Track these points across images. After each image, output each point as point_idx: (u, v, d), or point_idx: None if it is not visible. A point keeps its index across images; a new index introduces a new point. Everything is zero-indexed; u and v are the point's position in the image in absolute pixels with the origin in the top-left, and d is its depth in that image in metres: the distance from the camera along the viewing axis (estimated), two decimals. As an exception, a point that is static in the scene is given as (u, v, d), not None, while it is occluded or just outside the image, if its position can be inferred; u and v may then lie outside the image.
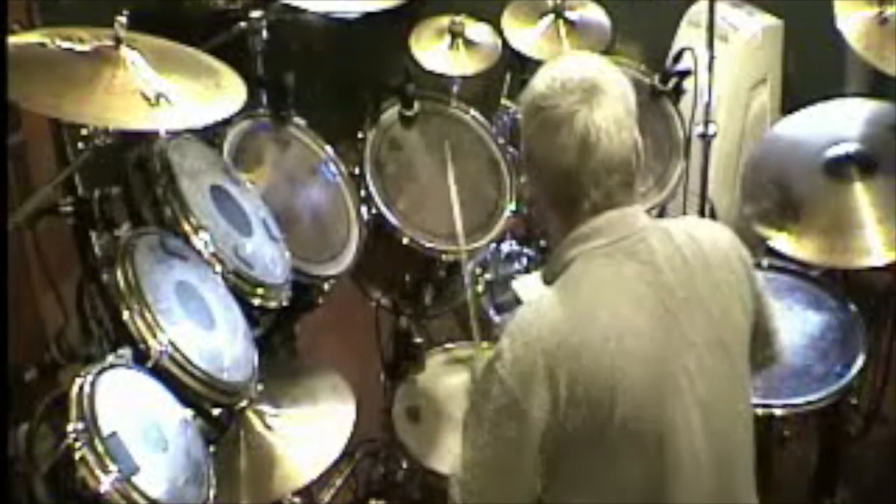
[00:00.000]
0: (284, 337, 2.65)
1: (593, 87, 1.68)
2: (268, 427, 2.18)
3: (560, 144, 1.67)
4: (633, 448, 1.68)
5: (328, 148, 2.70)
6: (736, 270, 1.79)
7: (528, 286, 2.69)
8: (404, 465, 2.44)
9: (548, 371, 1.64)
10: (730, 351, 1.76)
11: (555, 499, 1.74)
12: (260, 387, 2.12)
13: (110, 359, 1.81)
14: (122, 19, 1.96)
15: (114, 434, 1.68)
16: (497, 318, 2.87)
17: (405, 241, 2.65)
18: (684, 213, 3.04)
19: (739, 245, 1.83)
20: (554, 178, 1.71)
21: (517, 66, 3.23)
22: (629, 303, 1.69)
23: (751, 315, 1.81)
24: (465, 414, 1.78)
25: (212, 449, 1.96)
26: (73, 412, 1.67)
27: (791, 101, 3.43)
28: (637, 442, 1.67)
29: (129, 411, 1.76)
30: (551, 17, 3.13)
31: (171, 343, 1.89)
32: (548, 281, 1.77)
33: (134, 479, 1.66)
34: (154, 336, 1.88)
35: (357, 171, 2.70)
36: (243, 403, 2.07)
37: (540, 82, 1.72)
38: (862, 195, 2.60)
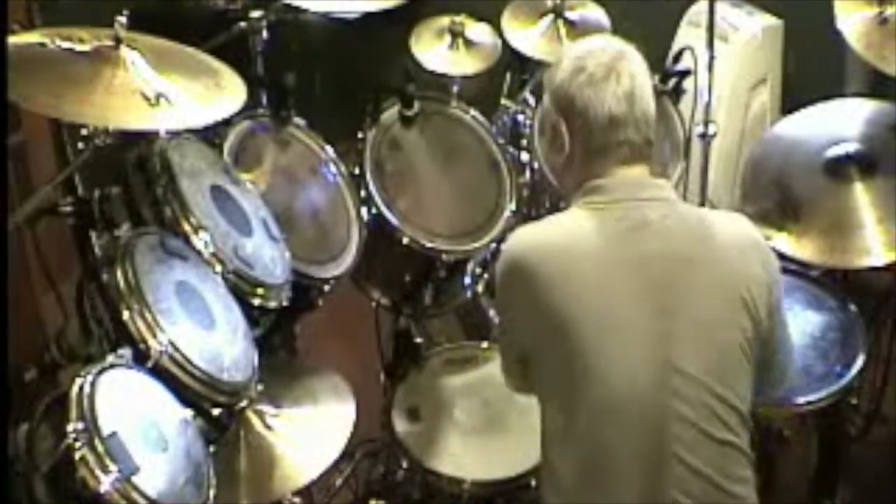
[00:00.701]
0: (284, 337, 2.65)
1: (621, 52, 1.92)
2: (268, 427, 2.19)
3: (611, 92, 1.87)
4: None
5: (328, 148, 2.70)
6: (747, 270, 1.87)
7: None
8: (404, 465, 2.44)
9: (517, 275, 1.88)
10: (704, 330, 1.83)
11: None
12: (260, 387, 2.12)
13: (110, 359, 1.81)
14: (122, 19, 1.96)
15: (114, 434, 1.67)
16: (497, 319, 2.87)
17: (405, 241, 2.65)
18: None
19: (763, 250, 1.92)
20: (599, 126, 1.88)
21: (517, 66, 3.24)
22: (590, 254, 1.83)
23: (757, 320, 1.85)
24: None
25: (212, 449, 1.95)
26: (73, 412, 1.66)
27: (791, 101, 3.43)
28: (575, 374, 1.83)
29: (129, 411, 1.76)
30: (551, 17, 3.13)
31: (171, 343, 1.89)
32: None
33: (134, 479, 1.66)
34: (154, 336, 1.88)
35: (357, 171, 2.70)
36: (243, 403, 2.06)
37: (575, 51, 1.94)
38: (862, 195, 2.59)
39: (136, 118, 1.89)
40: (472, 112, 2.93)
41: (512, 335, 2.01)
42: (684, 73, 2.93)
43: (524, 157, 3.04)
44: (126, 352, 1.85)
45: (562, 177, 2.03)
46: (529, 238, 1.93)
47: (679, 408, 1.78)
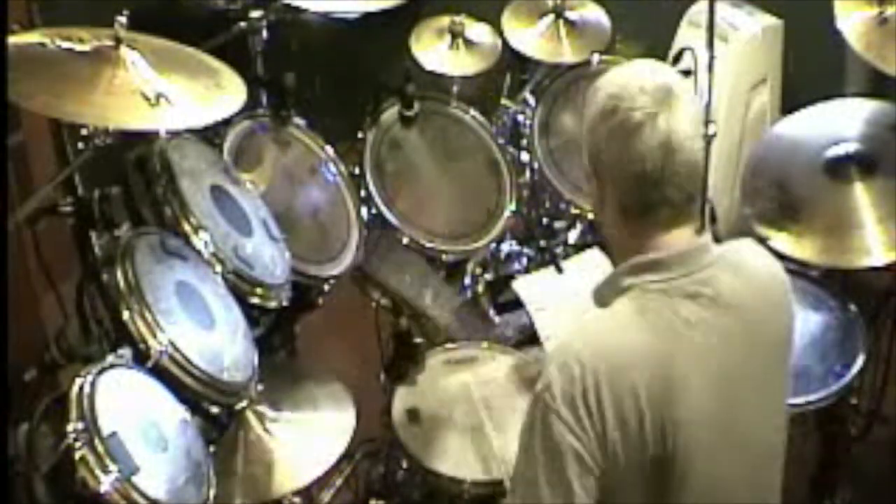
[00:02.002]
0: (284, 337, 2.65)
1: (669, 92, 1.62)
2: (267, 428, 2.19)
3: (640, 147, 1.59)
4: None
5: (328, 148, 2.70)
6: (785, 309, 1.76)
7: (529, 286, 2.70)
8: (404, 465, 2.43)
9: (596, 393, 1.56)
10: (773, 409, 1.72)
11: None
12: (260, 387, 2.12)
13: (110, 359, 1.81)
14: (122, 19, 1.97)
15: (114, 434, 1.68)
16: (497, 319, 2.87)
17: (405, 241, 2.65)
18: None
19: (789, 286, 1.78)
20: (630, 184, 1.62)
21: (517, 66, 3.23)
22: (685, 352, 1.60)
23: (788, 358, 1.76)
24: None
25: (212, 449, 1.95)
26: (73, 412, 1.67)
27: (791, 101, 3.42)
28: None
29: (129, 411, 1.76)
30: (551, 17, 3.13)
31: (171, 343, 1.89)
32: (598, 301, 1.69)
33: (134, 479, 1.66)
34: (154, 336, 1.88)
35: (357, 171, 2.70)
36: (243, 403, 2.07)
37: (611, 85, 1.64)
38: (862, 195, 2.59)
39: (136, 118, 1.89)
40: (472, 112, 2.93)
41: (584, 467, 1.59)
42: (684, 74, 2.92)
43: (524, 157, 3.04)
44: (126, 352, 1.85)
45: (602, 226, 1.77)
46: (606, 346, 1.61)
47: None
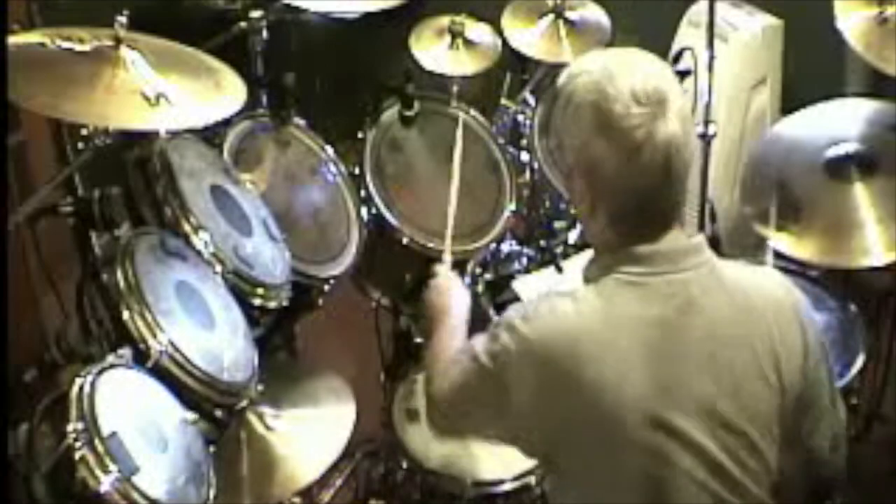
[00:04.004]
0: (284, 337, 2.65)
1: (663, 98, 1.57)
2: (268, 428, 2.19)
3: (640, 164, 1.56)
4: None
5: (328, 148, 2.70)
6: (783, 339, 1.68)
7: (529, 286, 2.70)
8: (404, 465, 2.44)
9: (538, 373, 1.62)
10: (733, 425, 1.64)
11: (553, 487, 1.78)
12: (260, 387, 2.12)
13: (110, 359, 1.81)
14: (122, 19, 1.96)
15: (114, 434, 1.68)
16: (497, 319, 2.87)
17: (405, 241, 2.65)
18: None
19: (798, 310, 1.73)
20: (628, 198, 1.61)
21: (517, 66, 3.23)
22: (638, 350, 1.60)
23: (792, 385, 1.69)
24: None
25: (212, 449, 1.95)
26: (73, 412, 1.66)
27: (791, 101, 3.43)
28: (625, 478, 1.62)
29: (129, 411, 1.76)
30: (551, 17, 3.13)
31: (171, 343, 1.89)
32: (586, 278, 1.72)
33: (134, 479, 1.66)
34: (154, 336, 1.88)
35: (357, 171, 2.70)
36: (243, 403, 2.07)
37: (598, 91, 1.57)
38: (862, 195, 2.59)
39: (136, 118, 1.89)
40: (472, 112, 2.93)
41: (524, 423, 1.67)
42: (684, 73, 2.92)
43: (524, 157, 3.04)
44: (126, 352, 1.85)
45: (584, 222, 1.76)
46: (561, 327, 1.63)
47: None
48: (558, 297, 1.68)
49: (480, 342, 1.74)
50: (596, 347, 1.60)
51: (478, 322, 2.93)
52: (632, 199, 1.61)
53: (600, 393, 1.59)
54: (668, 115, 1.57)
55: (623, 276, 1.64)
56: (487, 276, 2.91)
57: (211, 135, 2.39)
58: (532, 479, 2.36)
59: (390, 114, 2.76)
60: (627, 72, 1.59)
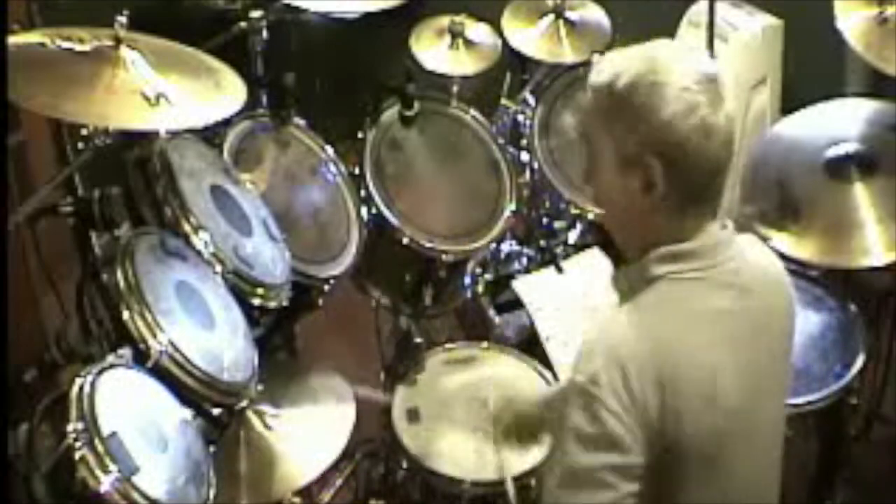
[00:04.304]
0: (284, 337, 2.65)
1: (718, 79, 1.62)
2: (268, 427, 2.19)
3: (721, 139, 1.61)
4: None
5: (328, 148, 2.70)
6: (789, 303, 1.79)
7: (529, 286, 2.70)
8: (404, 465, 2.43)
9: (639, 384, 1.58)
10: (781, 401, 1.79)
11: None
12: (260, 387, 2.12)
13: (110, 359, 1.81)
14: (122, 19, 1.97)
15: (114, 434, 1.68)
16: (497, 319, 2.87)
17: (405, 241, 2.65)
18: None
19: (786, 273, 1.82)
20: (704, 175, 1.62)
21: (517, 66, 3.23)
22: (721, 342, 1.63)
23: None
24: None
25: (212, 449, 1.95)
26: (73, 412, 1.66)
27: (791, 101, 3.42)
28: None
29: (129, 411, 1.76)
30: (551, 17, 3.14)
31: (171, 343, 1.89)
32: (623, 290, 1.69)
33: (134, 479, 1.66)
34: (154, 336, 1.88)
35: (357, 171, 2.70)
36: (243, 403, 2.07)
37: (678, 77, 1.59)
38: (862, 195, 2.59)
39: (136, 118, 1.89)
40: (472, 112, 2.93)
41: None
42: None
43: (524, 157, 3.04)
44: (126, 352, 1.85)
45: (630, 222, 1.70)
46: (646, 334, 1.61)
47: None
48: (610, 327, 1.65)
49: (581, 432, 1.59)
50: (684, 349, 1.61)
51: (478, 322, 2.95)
52: (707, 178, 1.63)
53: (702, 388, 1.60)
54: (726, 94, 1.62)
55: (677, 275, 1.65)
56: (487, 276, 2.91)
57: (211, 135, 2.39)
58: (532, 480, 2.36)
59: (390, 114, 2.76)
60: (676, 58, 1.63)
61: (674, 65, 1.61)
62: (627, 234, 1.72)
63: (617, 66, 1.63)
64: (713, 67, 1.64)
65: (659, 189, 1.62)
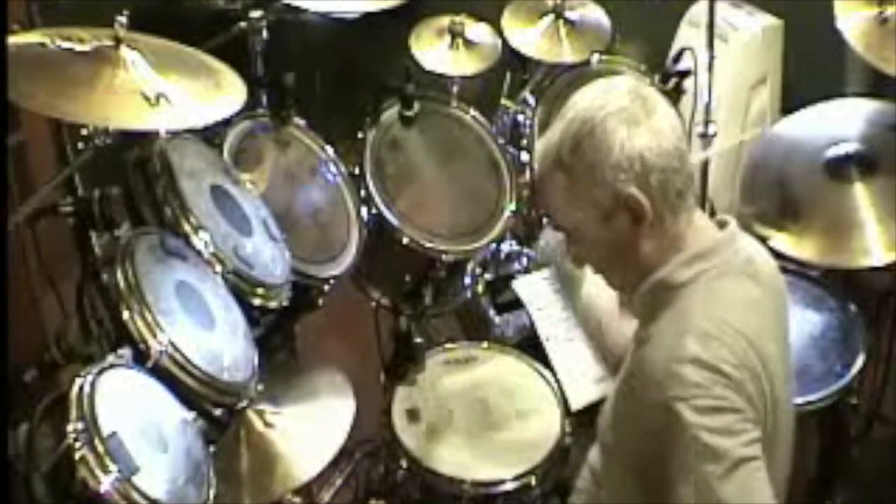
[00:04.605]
0: (284, 337, 2.65)
1: (640, 89, 1.70)
2: (268, 426, 2.19)
3: (672, 142, 1.65)
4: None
5: (328, 148, 2.70)
6: (784, 292, 1.84)
7: (529, 286, 2.70)
8: (404, 465, 2.43)
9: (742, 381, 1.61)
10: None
11: None
12: (260, 387, 2.12)
13: (110, 359, 1.81)
14: (122, 19, 1.97)
15: (114, 434, 1.68)
16: (497, 319, 2.87)
17: (405, 241, 2.65)
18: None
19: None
20: (671, 166, 1.65)
21: (517, 66, 3.23)
22: (766, 328, 1.68)
23: None
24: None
25: (212, 449, 1.95)
26: (73, 412, 1.66)
27: (791, 101, 3.43)
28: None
29: (129, 411, 1.76)
30: (551, 17, 3.13)
31: (171, 343, 1.89)
32: (642, 315, 1.72)
33: (134, 479, 1.66)
34: (154, 336, 1.88)
35: (357, 171, 2.70)
36: (243, 403, 2.07)
37: (608, 111, 1.65)
38: (862, 195, 2.59)
39: (136, 118, 1.89)
40: (472, 112, 2.93)
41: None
42: (684, 73, 2.92)
43: (524, 157, 3.04)
44: (126, 352, 1.85)
45: (626, 258, 1.71)
46: (720, 338, 1.62)
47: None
48: (683, 341, 1.62)
49: (713, 441, 1.57)
50: (751, 334, 1.63)
51: (478, 322, 2.95)
52: (673, 162, 1.66)
53: (771, 368, 1.65)
54: (654, 94, 1.70)
55: (706, 273, 1.67)
56: (487, 276, 2.91)
57: (211, 135, 2.39)
58: (532, 480, 2.36)
59: (390, 114, 2.76)
60: (592, 98, 1.69)
61: (594, 104, 1.66)
62: (625, 269, 1.74)
63: (549, 145, 1.69)
64: (629, 81, 1.73)
65: (648, 213, 1.65)
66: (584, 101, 1.69)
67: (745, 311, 1.66)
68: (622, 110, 1.64)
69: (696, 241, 1.69)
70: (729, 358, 1.59)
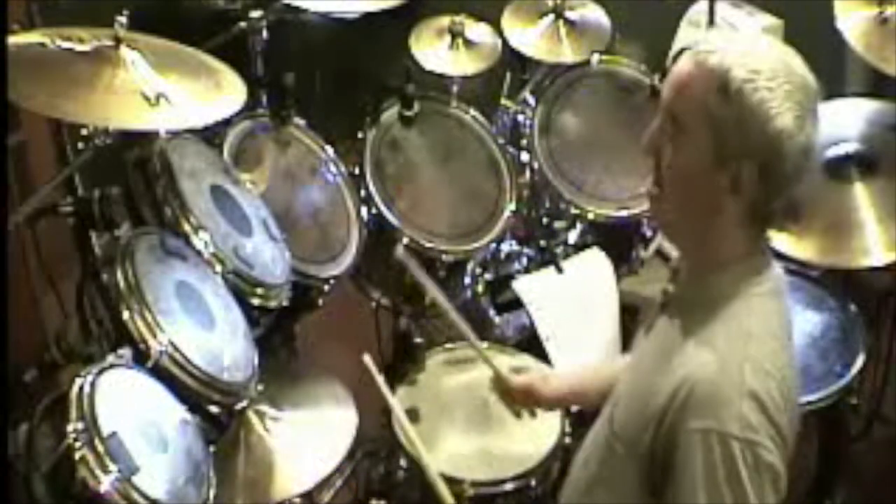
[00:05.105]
0: (284, 337, 2.65)
1: (818, 98, 1.60)
2: (268, 430, 2.19)
3: (809, 165, 1.58)
4: None
5: (328, 148, 2.70)
6: None
7: (529, 286, 2.70)
8: (404, 465, 2.43)
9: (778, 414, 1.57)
10: None
11: None
12: (260, 387, 2.12)
13: (110, 359, 1.81)
14: (122, 19, 1.97)
15: (114, 434, 1.68)
16: (497, 319, 2.87)
17: (405, 240, 2.65)
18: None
19: None
20: (793, 179, 1.58)
21: (517, 66, 3.23)
22: (790, 359, 1.65)
23: None
24: None
25: (212, 449, 1.95)
26: (73, 412, 1.67)
27: (791, 101, 3.42)
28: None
29: (129, 411, 1.76)
30: (551, 17, 3.13)
31: (171, 343, 1.89)
32: (682, 310, 1.65)
33: (134, 479, 1.66)
34: (154, 336, 1.88)
35: (357, 171, 2.70)
36: (243, 403, 2.07)
37: (785, 87, 1.53)
38: (862, 195, 2.60)
39: (136, 118, 1.89)
40: (472, 112, 2.93)
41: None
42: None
43: (524, 157, 3.04)
44: (126, 352, 1.85)
45: (705, 227, 1.62)
46: (767, 367, 1.57)
47: None
48: (728, 366, 1.56)
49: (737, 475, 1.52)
50: (785, 371, 1.61)
51: (478, 322, 2.95)
52: (786, 200, 1.61)
53: (791, 407, 1.62)
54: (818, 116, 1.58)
55: (755, 289, 1.63)
56: (487, 276, 2.91)
57: (211, 135, 2.39)
58: (532, 480, 2.35)
59: (390, 114, 2.76)
60: (787, 63, 1.57)
61: (788, 69, 1.54)
62: (698, 240, 1.64)
63: (730, 58, 1.53)
64: (812, 79, 1.58)
65: (746, 195, 1.57)
66: (777, 52, 1.57)
67: (785, 338, 1.64)
68: (799, 104, 1.53)
69: (759, 252, 1.66)
70: (778, 401, 1.55)
